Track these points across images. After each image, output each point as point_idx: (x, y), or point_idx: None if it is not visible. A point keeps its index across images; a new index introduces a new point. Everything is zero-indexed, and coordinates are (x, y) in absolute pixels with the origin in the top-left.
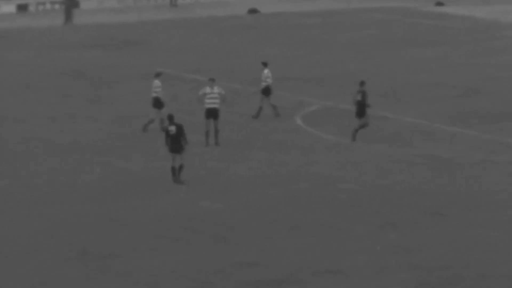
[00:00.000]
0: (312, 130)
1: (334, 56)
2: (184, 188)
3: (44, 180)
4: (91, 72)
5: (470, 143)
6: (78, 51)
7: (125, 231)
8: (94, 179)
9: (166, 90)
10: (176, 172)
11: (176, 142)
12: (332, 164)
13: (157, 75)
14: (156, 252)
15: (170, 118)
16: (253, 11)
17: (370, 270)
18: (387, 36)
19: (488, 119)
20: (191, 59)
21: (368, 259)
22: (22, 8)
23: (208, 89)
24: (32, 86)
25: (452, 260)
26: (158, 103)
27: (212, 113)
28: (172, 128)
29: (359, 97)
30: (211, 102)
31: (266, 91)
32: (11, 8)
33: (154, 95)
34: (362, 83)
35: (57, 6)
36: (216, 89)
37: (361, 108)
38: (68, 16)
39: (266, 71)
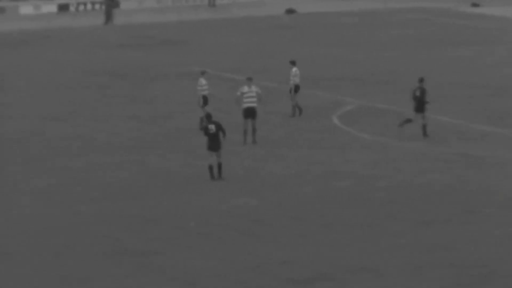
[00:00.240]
0: (348, 129)
1: (371, 55)
2: (221, 186)
3: (83, 177)
4: (130, 72)
5: (503, 142)
6: (118, 51)
7: (162, 229)
8: (131, 177)
9: None
10: (213, 170)
11: (214, 140)
12: (368, 162)
13: (202, 73)
14: (193, 249)
15: (208, 117)
16: (290, 11)
17: (405, 268)
18: (422, 36)
19: None
20: (229, 58)
21: (403, 256)
22: (63, 8)
23: (245, 88)
24: (72, 86)
25: (487, 258)
26: (206, 101)
27: (250, 112)
28: (212, 127)
29: (417, 93)
30: (249, 101)
31: (296, 89)
32: (52, 8)
33: (203, 93)
34: (421, 80)
35: (97, 6)
36: (253, 88)
37: (420, 104)
38: (109, 16)
39: (294, 69)
